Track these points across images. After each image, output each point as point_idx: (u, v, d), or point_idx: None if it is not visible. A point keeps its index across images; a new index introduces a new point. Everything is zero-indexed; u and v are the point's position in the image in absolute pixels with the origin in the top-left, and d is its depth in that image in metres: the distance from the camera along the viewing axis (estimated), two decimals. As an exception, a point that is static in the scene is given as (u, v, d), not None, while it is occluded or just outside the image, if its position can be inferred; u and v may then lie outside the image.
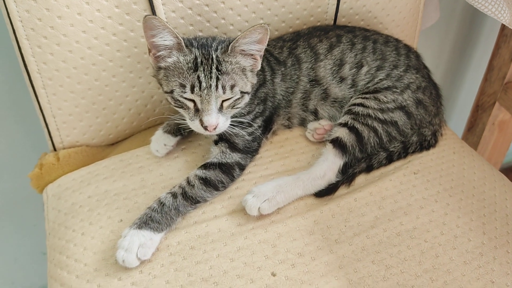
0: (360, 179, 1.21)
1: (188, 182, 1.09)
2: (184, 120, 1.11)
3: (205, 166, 1.12)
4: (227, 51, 1.05)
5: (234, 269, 1.00)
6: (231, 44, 1.04)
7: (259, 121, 1.19)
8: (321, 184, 1.16)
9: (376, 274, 1.01)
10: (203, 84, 1.03)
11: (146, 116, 1.35)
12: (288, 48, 1.28)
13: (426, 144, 1.31)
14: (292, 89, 1.25)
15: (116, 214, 1.12)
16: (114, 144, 1.37)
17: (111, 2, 1.12)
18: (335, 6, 1.37)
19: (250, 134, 1.18)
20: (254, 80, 1.13)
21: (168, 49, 1.05)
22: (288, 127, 1.32)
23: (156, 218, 1.02)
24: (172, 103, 1.10)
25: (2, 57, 1.39)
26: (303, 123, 1.32)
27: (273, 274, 1.00)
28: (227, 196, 1.14)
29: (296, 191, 1.13)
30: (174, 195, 1.07)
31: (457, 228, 1.11)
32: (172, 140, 1.21)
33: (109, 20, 1.14)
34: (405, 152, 1.27)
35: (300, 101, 1.27)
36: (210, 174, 1.11)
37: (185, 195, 1.07)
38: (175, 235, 1.06)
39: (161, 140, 1.21)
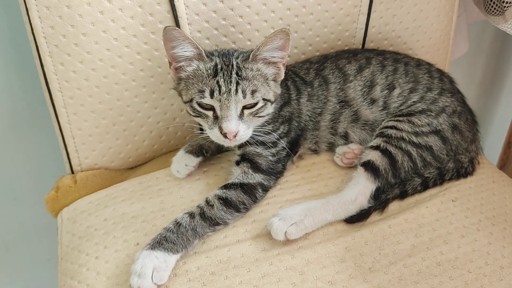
0: (394, 205, 1.13)
1: (207, 202, 1.03)
2: (204, 132, 1.07)
3: (226, 186, 1.06)
4: (248, 59, 1.02)
5: (259, 297, 0.92)
6: (252, 52, 1.02)
7: (283, 142, 1.14)
8: (352, 209, 1.08)
9: (416, 306, 0.92)
10: (223, 89, 0.99)
11: (168, 139, 1.31)
12: (315, 70, 1.24)
13: (463, 171, 1.23)
14: (319, 110, 1.20)
15: (132, 237, 1.06)
16: (133, 168, 1.32)
17: (137, 20, 1.10)
18: (363, 30, 1.33)
19: (274, 154, 1.12)
20: (278, 90, 1.09)
21: (189, 59, 1.02)
22: (315, 151, 1.25)
23: (171, 239, 0.95)
24: (191, 112, 1.06)
25: (24, 76, 1.37)
26: (331, 148, 1.25)
27: (302, 304, 0.91)
28: (251, 220, 1.06)
29: (325, 215, 1.05)
30: (191, 215, 1.00)
31: (502, 258, 1.02)
32: (193, 161, 1.16)
33: (134, 38, 1.12)
34: (441, 179, 1.19)
35: (329, 123, 1.21)
36: (231, 194, 1.04)
37: (203, 215, 1.00)
38: (195, 260, 0.99)
39: (182, 161, 1.15)
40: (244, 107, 1.03)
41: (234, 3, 1.16)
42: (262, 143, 1.10)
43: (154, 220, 1.09)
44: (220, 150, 1.25)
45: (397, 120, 1.17)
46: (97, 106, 1.17)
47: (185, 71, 1.03)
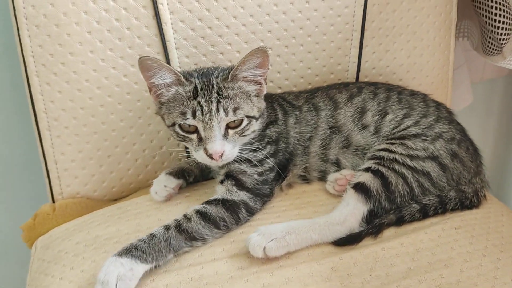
0: (389, 232, 1.03)
1: (185, 215, 0.96)
2: (190, 154, 1.04)
3: (207, 202, 1.00)
4: (228, 78, 1.00)
5: (229, 316, 0.81)
6: (231, 72, 1.00)
7: (270, 162, 1.08)
8: (341, 231, 0.99)
9: (410, 328, 0.79)
10: (205, 109, 0.97)
11: (154, 169, 1.26)
12: (305, 98, 1.22)
13: (467, 202, 1.13)
14: (308, 135, 1.15)
15: (102, 258, 0.98)
16: (116, 200, 1.26)
17: (124, 42, 1.12)
18: (356, 64, 1.33)
19: (260, 174, 1.06)
20: (262, 105, 1.06)
21: (168, 86, 1.01)
22: (306, 180, 1.18)
23: (142, 247, 0.88)
24: (175, 137, 1.04)
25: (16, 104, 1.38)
26: (323, 177, 1.18)
27: (277, 321, 0.79)
28: (230, 240, 0.98)
29: (311, 234, 0.96)
30: (166, 227, 0.93)
31: (513, 283, 0.89)
32: (173, 182, 1.10)
33: (121, 60, 1.14)
34: (442, 207, 1.09)
35: (320, 150, 1.16)
36: (211, 209, 0.97)
37: (179, 227, 0.93)
38: (164, 277, 0.90)
39: (162, 182, 1.10)
40: (229, 127, 1.00)
41: (222, 30, 1.18)
42: (248, 161, 1.05)
43: (127, 241, 0.99)
44: (204, 175, 1.19)
45: (389, 143, 1.11)
46: (81, 129, 1.16)
47: (165, 96, 1.02)
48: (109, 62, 1.12)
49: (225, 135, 0.99)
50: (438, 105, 1.25)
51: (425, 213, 1.07)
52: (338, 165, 1.17)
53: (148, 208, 1.10)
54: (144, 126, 1.20)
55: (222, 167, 1.08)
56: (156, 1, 1.11)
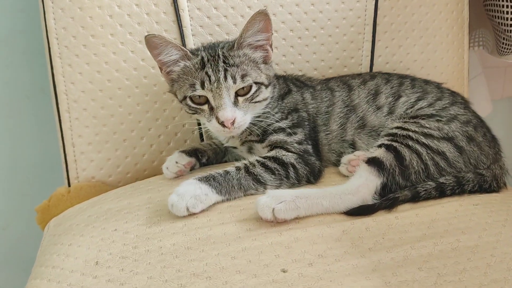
0: (404, 207, 1.00)
1: (249, 162, 1.02)
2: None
3: (262, 157, 1.04)
4: (233, 47, 1.04)
5: (235, 266, 0.79)
6: (236, 40, 1.03)
7: (300, 133, 1.10)
8: (353, 200, 0.97)
9: (425, 280, 0.76)
10: (213, 78, 1.00)
11: (168, 156, 1.27)
12: (319, 82, 1.24)
13: (486, 186, 1.09)
14: (325, 109, 1.17)
15: (112, 225, 0.98)
16: (130, 188, 1.27)
17: (143, 26, 1.18)
18: (369, 58, 1.35)
19: (299, 142, 1.08)
20: (271, 72, 1.09)
21: (176, 62, 1.05)
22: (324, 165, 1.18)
23: (218, 179, 0.96)
24: (188, 110, 1.06)
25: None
26: (338, 162, 1.17)
27: (284, 271, 0.77)
28: (240, 208, 0.96)
29: (321, 200, 0.94)
30: (237, 168, 1.00)
31: (536, 247, 0.84)
32: (184, 159, 1.11)
33: (140, 44, 1.18)
34: (459, 187, 1.06)
35: (338, 128, 1.16)
36: (267, 161, 1.02)
37: (247, 169, 1.00)
38: (172, 238, 0.89)
39: (174, 158, 1.11)
40: (238, 94, 1.02)
41: (237, 19, 1.23)
42: (282, 130, 1.09)
43: (138, 211, 1.01)
44: (217, 158, 1.20)
45: (404, 122, 1.11)
46: (99, 111, 1.19)
47: (175, 72, 1.06)
48: (128, 45, 1.17)
49: (235, 103, 1.01)
50: (453, 92, 1.24)
51: (441, 192, 1.04)
52: (354, 147, 1.17)
53: (160, 185, 1.11)
54: (159, 111, 1.23)
55: (242, 143, 1.11)
56: (174, -12, 1.17)
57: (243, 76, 1.01)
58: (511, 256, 0.82)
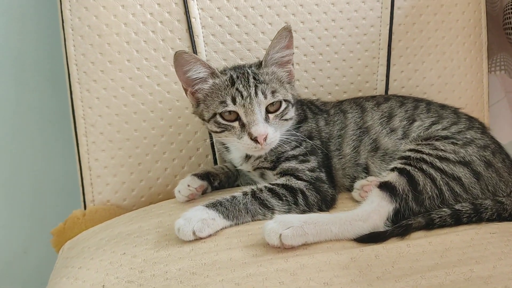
0: (417, 234, 0.97)
1: (257, 187, 1.02)
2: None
3: (271, 184, 1.04)
4: (261, 65, 1.06)
5: (238, 292, 0.78)
6: (264, 58, 1.06)
7: (313, 161, 1.10)
8: (363, 227, 0.95)
9: (432, 311, 0.72)
10: (244, 93, 1.02)
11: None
12: (332, 105, 1.23)
13: (506, 214, 1.05)
14: (338, 133, 1.17)
15: (121, 248, 0.98)
16: (145, 210, 1.28)
17: (159, 52, 1.20)
18: (384, 82, 1.34)
19: (311, 170, 1.08)
20: (295, 91, 1.11)
21: (203, 80, 1.06)
22: (339, 190, 1.17)
23: (225, 204, 0.97)
24: (216, 129, 1.06)
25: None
26: (352, 187, 1.16)
27: (287, 298, 0.75)
28: (248, 233, 0.96)
29: (330, 227, 0.92)
30: (244, 193, 1.00)
31: (555, 279, 0.80)
32: (196, 183, 1.12)
33: (156, 70, 1.21)
34: (477, 215, 1.02)
35: (352, 151, 1.16)
36: (275, 187, 1.03)
37: (254, 194, 1.00)
38: (177, 263, 0.89)
39: (186, 182, 1.12)
40: (268, 111, 1.04)
41: (248, 27, 1.24)
42: (294, 158, 1.09)
43: (147, 235, 1.01)
44: (230, 182, 1.20)
45: (418, 144, 1.09)
46: (115, 135, 1.21)
47: (202, 91, 1.07)
48: (144, 71, 1.20)
49: (266, 119, 1.02)
50: (471, 117, 1.22)
51: (457, 219, 1.00)
52: (367, 172, 1.15)
53: (171, 209, 1.11)
54: (174, 135, 1.24)
55: (255, 169, 1.12)
56: (189, 16, 1.19)
57: (273, 92, 1.03)
58: (527, 289, 0.78)
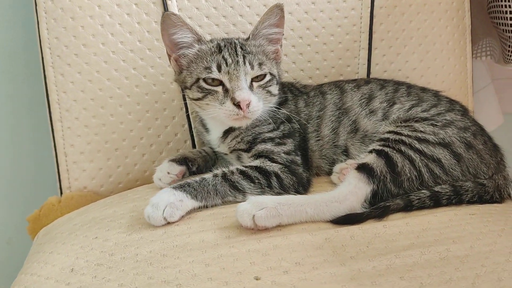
0: (395, 215, 0.95)
1: (228, 170, 1.00)
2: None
3: (244, 166, 1.02)
4: (249, 38, 1.06)
5: (207, 273, 0.76)
6: (251, 32, 1.05)
7: (289, 144, 1.08)
8: (340, 209, 0.93)
9: (405, 289, 0.71)
10: (229, 61, 1.00)
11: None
12: (312, 88, 1.22)
13: (488, 197, 1.03)
14: (317, 114, 1.15)
15: (93, 233, 0.96)
16: (122, 197, 1.26)
17: (135, 36, 1.18)
18: (366, 67, 1.32)
19: (286, 153, 1.06)
20: (280, 71, 1.10)
21: (189, 45, 1.05)
22: (316, 173, 1.15)
23: (193, 185, 0.94)
24: (199, 94, 1.03)
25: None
26: (331, 170, 1.14)
27: (257, 278, 0.74)
28: (222, 216, 0.94)
29: (305, 208, 0.91)
30: (214, 175, 0.98)
31: (531, 257, 0.79)
32: (176, 169, 1.09)
33: (131, 53, 1.18)
34: (457, 197, 1.01)
35: (331, 133, 1.14)
36: (248, 170, 1.00)
37: (224, 176, 0.98)
38: (148, 245, 0.87)
39: (165, 169, 1.09)
40: (253, 80, 1.03)
41: (229, 28, 1.22)
42: (271, 140, 1.07)
43: (121, 219, 0.99)
44: (207, 166, 1.18)
45: (397, 126, 1.07)
46: (90, 120, 1.19)
47: (187, 57, 1.05)
48: (119, 54, 1.17)
49: (250, 88, 1.01)
50: (452, 100, 1.20)
51: (436, 201, 0.99)
52: (347, 154, 1.13)
53: (147, 193, 1.09)
54: (152, 120, 1.22)
55: (231, 151, 1.10)
56: (165, -2, 1.17)
57: (260, 64, 1.03)
58: (503, 267, 0.76)
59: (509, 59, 1.44)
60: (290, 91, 1.18)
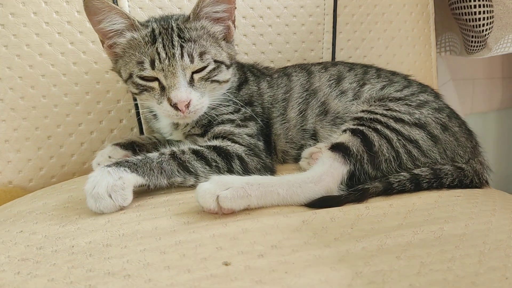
0: (376, 199, 0.85)
1: (179, 149, 0.84)
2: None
3: (200, 146, 0.87)
4: (189, 18, 0.89)
5: (164, 261, 0.61)
6: (192, 10, 0.88)
7: (252, 126, 0.95)
8: (315, 190, 0.81)
9: (405, 269, 0.60)
10: (163, 55, 0.85)
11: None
12: (276, 70, 1.11)
13: (467, 181, 0.96)
14: (282, 96, 1.03)
15: (18, 227, 0.79)
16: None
17: (72, 5, 1.02)
18: (330, 51, 1.23)
19: (249, 135, 0.93)
20: (233, 51, 0.95)
21: (120, 32, 0.89)
22: (283, 160, 1.03)
23: (133, 161, 0.79)
24: (135, 90, 0.89)
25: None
26: (299, 157, 1.03)
27: (226, 264, 0.60)
28: (179, 202, 0.79)
29: (277, 189, 0.78)
30: (161, 153, 0.83)
31: (533, 233, 0.70)
32: (119, 153, 0.94)
33: (68, 25, 1.03)
34: (437, 180, 0.92)
35: (298, 116, 1.03)
36: (204, 150, 0.85)
37: (173, 154, 0.83)
38: (88, 236, 0.70)
39: (106, 153, 0.93)
40: (194, 73, 0.88)
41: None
42: (231, 121, 0.94)
43: (53, 211, 0.82)
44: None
45: (370, 105, 0.98)
46: (18, 102, 1.01)
47: (120, 45, 0.89)
48: (54, 26, 1.01)
49: (191, 82, 0.86)
50: (422, 84, 1.13)
51: (417, 184, 0.90)
52: (315, 139, 1.02)
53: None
54: (92, 104, 1.06)
55: (186, 137, 0.96)
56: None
57: (201, 54, 0.87)
58: (508, 243, 0.67)
59: (472, 50, 1.41)
60: (250, 72, 1.06)
